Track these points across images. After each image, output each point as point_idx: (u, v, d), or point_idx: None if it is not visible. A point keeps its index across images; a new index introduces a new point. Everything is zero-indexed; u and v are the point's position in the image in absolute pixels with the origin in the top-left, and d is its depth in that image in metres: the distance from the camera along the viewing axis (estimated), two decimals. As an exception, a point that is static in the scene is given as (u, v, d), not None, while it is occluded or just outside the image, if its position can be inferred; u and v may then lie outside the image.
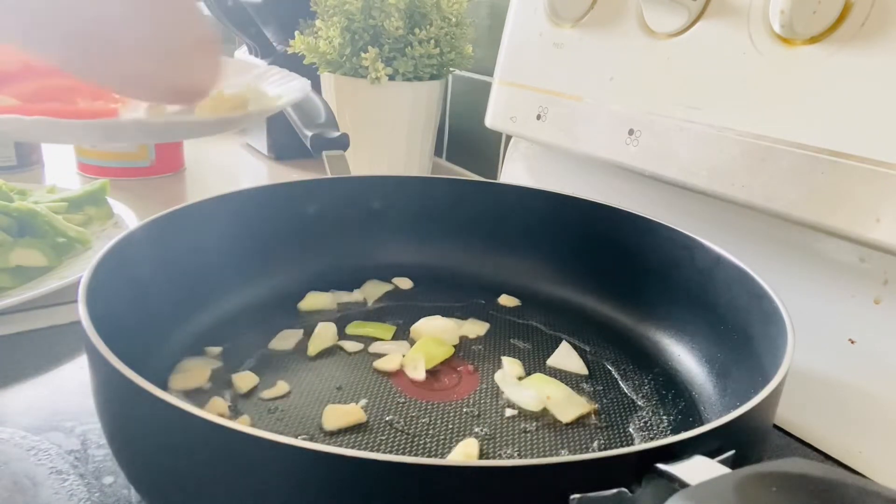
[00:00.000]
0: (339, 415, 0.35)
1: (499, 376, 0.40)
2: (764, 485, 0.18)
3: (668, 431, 0.36)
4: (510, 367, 0.41)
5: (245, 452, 0.22)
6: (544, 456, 0.33)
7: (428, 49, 0.73)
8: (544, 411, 0.37)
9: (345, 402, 0.36)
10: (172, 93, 0.36)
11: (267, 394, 0.37)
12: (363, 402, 0.36)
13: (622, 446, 0.28)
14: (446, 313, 0.46)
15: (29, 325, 0.46)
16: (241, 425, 0.21)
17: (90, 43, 0.31)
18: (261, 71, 0.52)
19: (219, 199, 0.43)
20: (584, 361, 0.42)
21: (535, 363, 0.42)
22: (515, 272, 0.51)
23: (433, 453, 0.33)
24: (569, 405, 0.37)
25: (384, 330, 0.44)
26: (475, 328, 0.45)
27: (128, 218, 0.62)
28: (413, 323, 0.44)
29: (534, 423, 0.36)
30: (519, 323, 0.47)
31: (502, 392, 0.38)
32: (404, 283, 0.51)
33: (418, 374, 0.39)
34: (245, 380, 0.37)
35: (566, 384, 0.39)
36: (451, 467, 0.21)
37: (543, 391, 0.38)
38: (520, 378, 0.40)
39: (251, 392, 0.37)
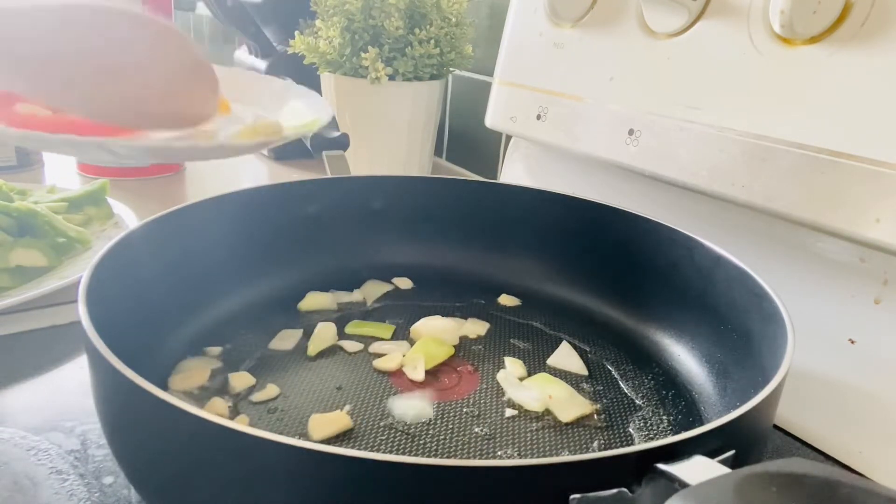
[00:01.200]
0: (325, 423, 0.34)
1: (501, 376, 0.40)
2: (764, 485, 0.18)
3: (669, 431, 0.36)
4: (512, 367, 0.41)
5: (245, 452, 0.22)
6: (544, 456, 0.33)
7: (428, 49, 0.73)
8: (545, 411, 0.37)
9: (345, 401, 0.36)
10: (174, 120, 0.37)
11: (257, 397, 0.36)
12: (347, 407, 0.36)
13: (622, 446, 0.28)
14: (446, 313, 0.46)
15: (29, 325, 0.46)
16: (242, 425, 0.21)
17: (89, 84, 0.32)
18: (278, 86, 0.52)
19: (219, 199, 0.43)
20: (584, 361, 0.42)
21: (535, 363, 0.42)
22: (515, 272, 0.51)
23: (433, 453, 0.33)
24: (571, 405, 0.37)
25: (384, 329, 0.44)
26: (475, 328, 0.45)
27: (128, 218, 0.62)
28: (413, 323, 0.44)
29: (534, 423, 0.36)
30: (519, 323, 0.47)
31: (504, 392, 0.38)
32: (404, 283, 0.51)
33: (418, 374, 0.39)
34: (241, 380, 0.37)
35: (567, 384, 0.39)
36: (452, 467, 0.21)
37: (545, 391, 0.38)
38: (521, 378, 0.40)
39: (247, 392, 0.37)
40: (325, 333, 0.43)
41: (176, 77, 0.35)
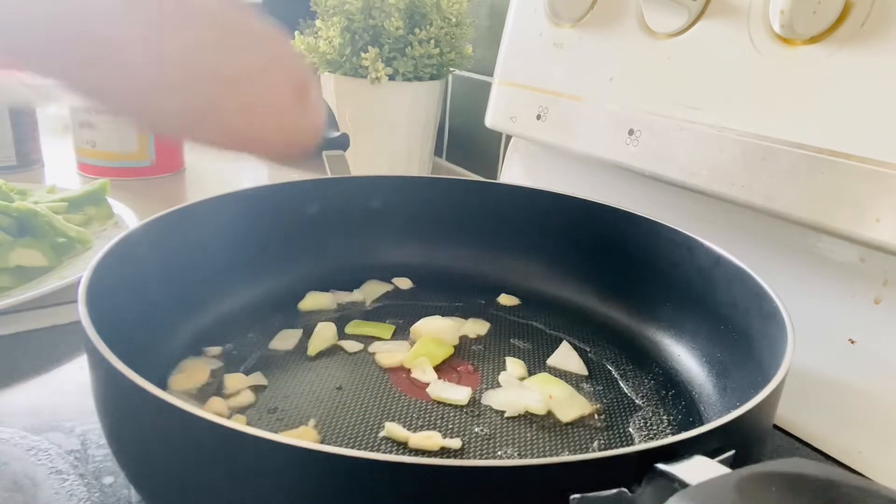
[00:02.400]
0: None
1: (502, 377, 0.40)
2: (764, 485, 0.18)
3: (669, 431, 0.36)
4: (513, 367, 0.41)
5: (245, 452, 0.22)
6: (544, 456, 0.33)
7: (428, 49, 0.73)
8: (546, 411, 0.37)
9: (345, 402, 0.36)
10: (268, 148, 0.29)
11: (237, 400, 0.36)
12: (312, 421, 0.35)
13: (622, 446, 0.28)
14: (446, 313, 0.46)
15: (29, 325, 0.46)
16: (242, 425, 0.21)
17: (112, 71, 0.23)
18: None
19: (219, 199, 0.43)
20: (584, 361, 0.42)
21: (535, 363, 0.42)
22: (515, 272, 0.51)
23: (433, 453, 0.33)
24: (571, 405, 0.37)
25: (384, 329, 0.44)
26: (476, 328, 0.45)
27: (128, 218, 0.62)
28: (413, 323, 0.44)
29: (534, 423, 0.36)
30: (519, 322, 0.47)
31: (504, 392, 0.38)
32: (404, 283, 0.51)
33: (426, 376, 0.39)
34: (235, 381, 0.37)
35: (567, 384, 0.39)
36: (452, 467, 0.21)
37: (546, 391, 0.38)
38: (521, 378, 0.40)
39: (235, 394, 0.36)
40: (325, 333, 0.42)
41: (283, 100, 0.27)
